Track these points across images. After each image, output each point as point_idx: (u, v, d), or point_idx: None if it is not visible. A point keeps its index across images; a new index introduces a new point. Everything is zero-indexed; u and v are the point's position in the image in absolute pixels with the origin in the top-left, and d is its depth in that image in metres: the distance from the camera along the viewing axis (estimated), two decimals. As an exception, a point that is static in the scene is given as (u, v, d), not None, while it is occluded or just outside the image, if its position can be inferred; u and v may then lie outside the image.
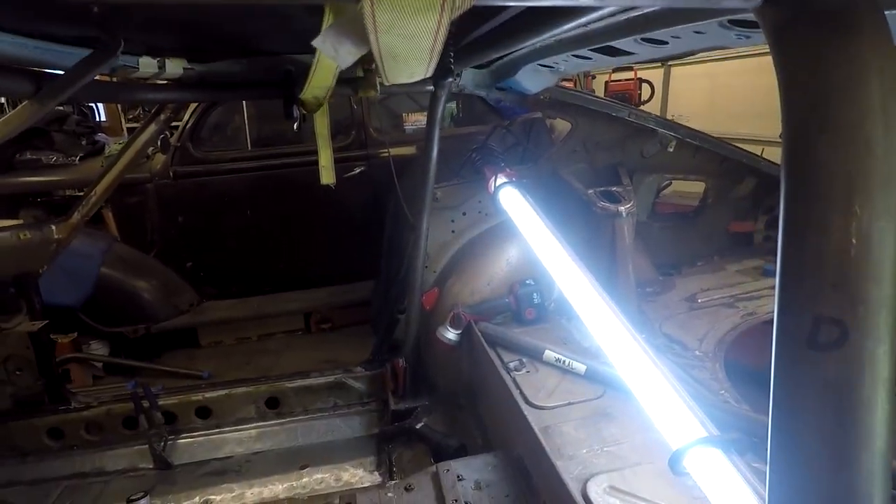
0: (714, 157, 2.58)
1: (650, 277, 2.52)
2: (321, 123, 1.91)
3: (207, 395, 2.58)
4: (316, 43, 0.52)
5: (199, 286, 4.33)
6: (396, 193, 3.48)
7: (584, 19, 0.86)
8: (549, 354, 1.89)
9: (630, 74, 6.72)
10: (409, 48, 0.49)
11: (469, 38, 1.48)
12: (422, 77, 0.66)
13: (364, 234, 4.21)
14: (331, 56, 0.53)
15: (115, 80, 1.70)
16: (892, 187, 0.42)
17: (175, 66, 1.69)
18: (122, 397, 2.57)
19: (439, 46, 0.50)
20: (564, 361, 1.86)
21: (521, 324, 2.22)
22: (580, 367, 1.82)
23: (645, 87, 6.69)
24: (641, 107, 6.20)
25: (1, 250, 2.16)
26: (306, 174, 3.78)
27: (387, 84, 0.74)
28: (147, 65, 1.60)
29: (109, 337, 3.90)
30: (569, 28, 0.96)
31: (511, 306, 2.25)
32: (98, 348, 3.87)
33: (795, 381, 0.47)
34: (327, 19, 0.53)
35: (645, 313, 2.19)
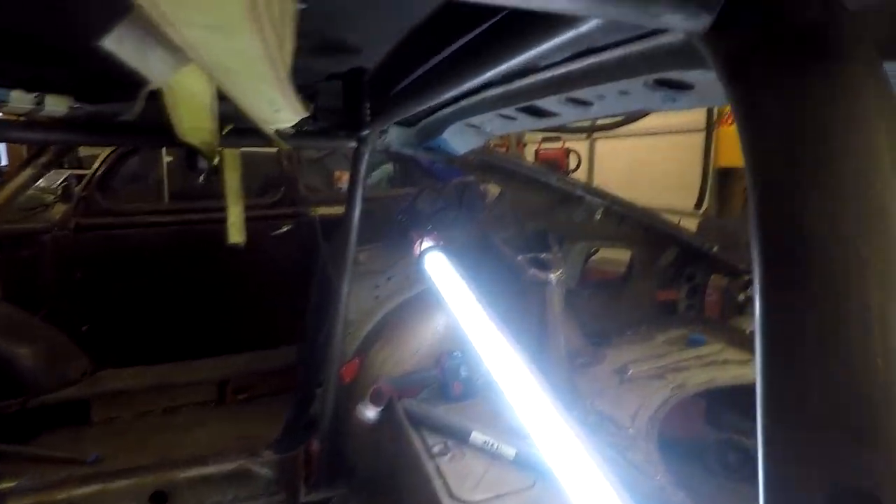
0: (639, 225, 2.61)
1: (580, 347, 2.44)
2: (231, 177, 1.74)
3: (75, 491, 2.11)
4: (108, 44, 0.37)
5: (96, 352, 3.83)
6: (323, 254, 3.31)
7: (503, 66, 0.78)
8: (477, 437, 1.72)
9: (559, 144, 7.05)
10: (232, 53, 0.35)
11: (395, 90, 1.40)
12: (294, 113, 0.53)
13: (290, 295, 3.94)
14: (138, 66, 0.38)
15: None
16: None
17: (58, 104, 1.48)
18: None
19: (281, 53, 0.36)
20: (493, 445, 1.69)
21: (448, 399, 2.04)
22: (510, 452, 1.65)
23: (573, 156, 7.02)
24: (569, 175, 6.48)
25: None
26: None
27: (270, 126, 0.60)
28: (20, 100, 1.39)
29: (-28, 414, 3.31)
30: (489, 78, 0.87)
31: (438, 380, 2.08)
32: (-43, 428, 3.26)
33: None
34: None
35: (576, 387, 2.09)
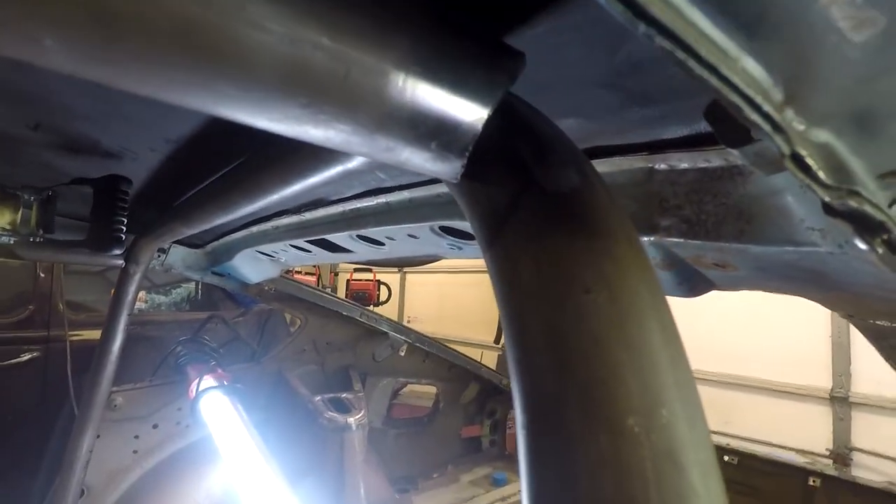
0: (443, 362, 2.63)
1: (385, 497, 2.21)
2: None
3: None
4: None
5: None
6: (70, 391, 2.65)
7: (277, 195, 0.70)
8: None
9: (370, 276, 7.19)
10: None
11: (168, 209, 1.22)
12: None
13: (17, 447, 3.00)
14: None
15: None
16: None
17: None
18: None
19: None
20: None
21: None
22: None
23: (383, 288, 7.17)
24: (379, 307, 6.54)
25: None
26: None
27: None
28: None
29: None
30: (267, 205, 0.78)
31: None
32: None
33: None
34: None
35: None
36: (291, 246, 1.30)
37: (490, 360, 4.76)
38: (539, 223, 0.33)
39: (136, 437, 1.93)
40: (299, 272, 6.92)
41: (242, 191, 0.77)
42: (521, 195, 0.34)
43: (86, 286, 3.70)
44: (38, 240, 1.03)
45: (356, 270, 7.09)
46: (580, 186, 0.34)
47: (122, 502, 1.84)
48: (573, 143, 0.36)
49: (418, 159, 0.33)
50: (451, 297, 7.00)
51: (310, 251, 1.29)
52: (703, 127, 0.50)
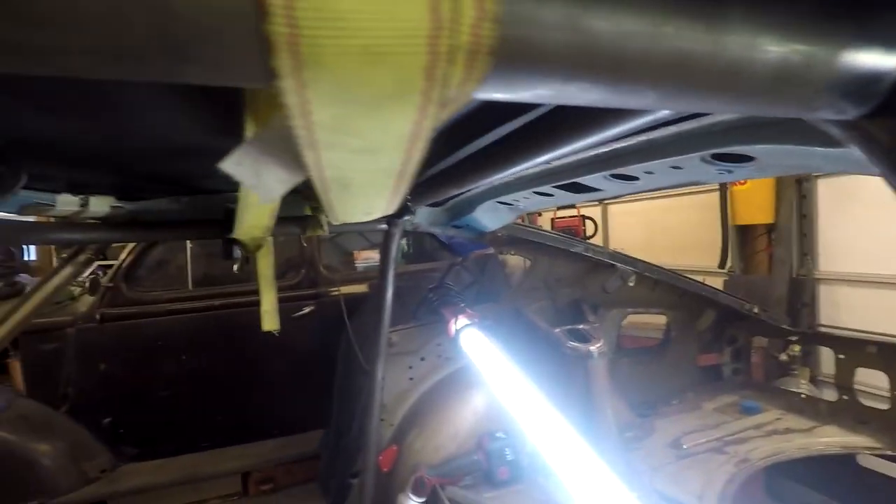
0: (673, 290, 2.56)
1: (628, 420, 2.31)
2: (264, 264, 1.74)
3: None
4: (227, 166, 0.36)
5: (118, 446, 3.73)
6: (348, 335, 3.27)
7: (548, 156, 0.78)
8: (531, 528, 1.59)
9: (574, 211, 7.11)
10: (366, 171, 0.34)
11: (425, 176, 1.41)
12: (381, 214, 0.52)
13: (311, 378, 3.87)
14: (251, 186, 0.37)
15: (27, 219, 1.51)
16: None
17: (100, 205, 1.52)
18: None
19: (412, 167, 0.35)
20: (549, 536, 1.56)
21: (494, 485, 1.91)
22: (568, 543, 1.52)
23: (588, 223, 7.05)
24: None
25: None
26: (250, 315, 3.52)
27: (336, 224, 0.59)
28: (66, 202, 1.43)
29: (-12, 521, 3.18)
30: (541, 162, 0.87)
31: (481, 465, 1.96)
32: (-29, 537, 3.13)
33: None
34: (249, 129, 0.38)
35: (631, 465, 1.95)
36: (534, 193, 1.40)
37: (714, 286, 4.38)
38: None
39: (410, 367, 2.34)
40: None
41: (520, 150, 0.87)
42: None
43: (328, 252, 4.45)
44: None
45: (559, 208, 7.10)
46: None
47: (407, 416, 2.27)
48: None
49: (828, 112, 0.35)
50: (660, 223, 6.56)
51: (552, 195, 1.37)
52: None
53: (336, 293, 3.89)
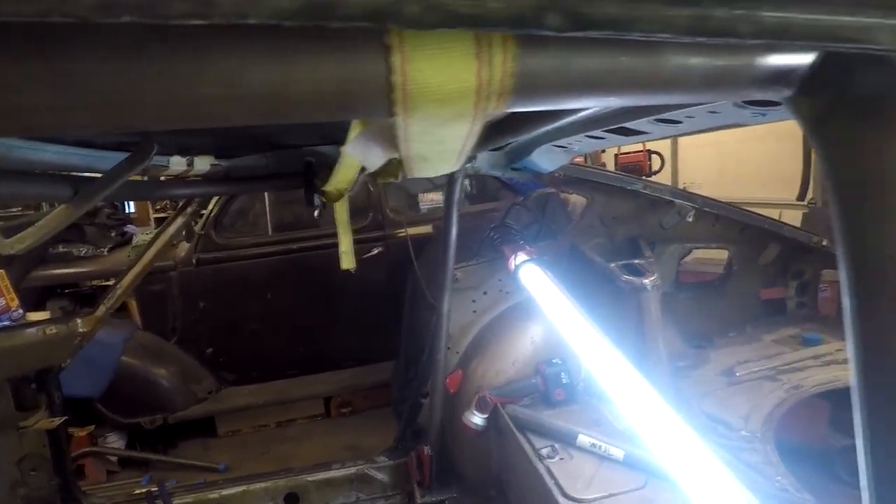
0: (734, 224, 2.55)
1: (681, 351, 2.42)
2: (341, 210, 1.95)
3: (224, 492, 2.46)
4: (346, 150, 0.53)
5: (219, 372, 4.29)
6: (415, 273, 3.50)
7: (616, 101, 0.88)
8: (584, 439, 1.78)
9: (639, 147, 6.86)
10: (438, 153, 0.50)
11: (486, 124, 1.52)
12: (447, 172, 0.66)
13: (382, 314, 4.18)
14: (360, 160, 0.54)
15: (145, 179, 1.78)
16: None
17: (203, 163, 1.76)
18: (135, 498, 2.47)
19: (468, 148, 0.51)
20: (600, 447, 1.75)
21: (550, 406, 2.11)
22: (618, 453, 1.71)
23: (654, 158, 6.80)
24: (652, 178, 6.27)
25: (26, 346, 2.17)
26: (325, 257, 3.84)
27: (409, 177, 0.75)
28: (177, 163, 1.68)
29: (126, 427, 3.82)
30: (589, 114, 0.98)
31: (539, 387, 2.16)
32: (114, 440, 3.79)
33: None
34: (354, 127, 0.54)
35: (680, 390, 2.08)
36: (586, 136, 1.49)
37: (792, 219, 4.20)
38: (853, 122, 0.45)
39: (473, 300, 2.54)
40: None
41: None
42: (835, 103, 0.46)
43: (392, 195, 4.64)
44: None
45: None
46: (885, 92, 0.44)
47: (471, 345, 2.50)
48: None
49: (758, 94, 0.48)
50: (733, 155, 6.24)
51: (604, 138, 1.45)
52: None
53: (402, 234, 4.12)
